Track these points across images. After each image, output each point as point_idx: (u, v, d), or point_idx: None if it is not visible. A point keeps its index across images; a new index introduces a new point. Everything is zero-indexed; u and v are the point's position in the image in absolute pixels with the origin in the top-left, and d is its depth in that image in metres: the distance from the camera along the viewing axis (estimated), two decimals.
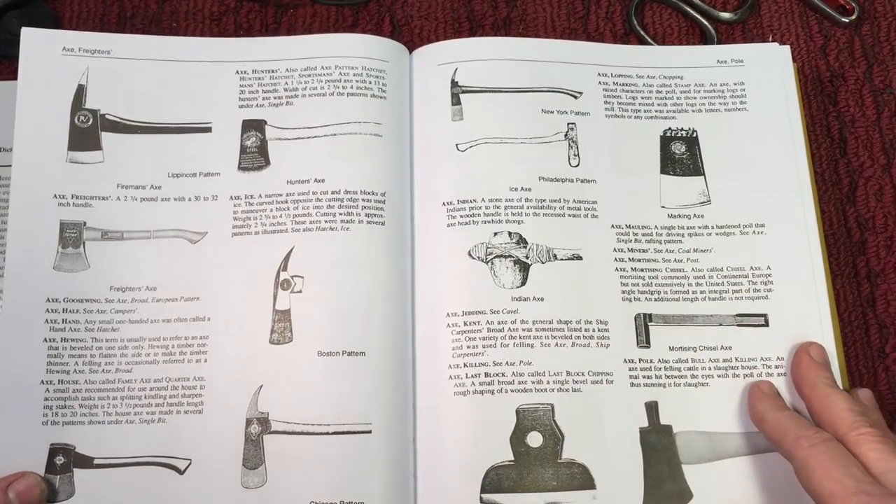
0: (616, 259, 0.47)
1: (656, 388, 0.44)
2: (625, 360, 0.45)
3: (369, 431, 0.43)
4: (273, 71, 0.49)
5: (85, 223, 0.46)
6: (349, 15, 0.54)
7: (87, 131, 0.47)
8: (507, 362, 0.44)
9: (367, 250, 0.45)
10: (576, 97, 0.50)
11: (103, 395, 0.43)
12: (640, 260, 0.47)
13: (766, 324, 0.46)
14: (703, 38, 0.55)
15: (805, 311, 0.46)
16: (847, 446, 0.40)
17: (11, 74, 0.50)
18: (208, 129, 0.48)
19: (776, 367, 0.45)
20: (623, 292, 0.46)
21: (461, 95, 0.49)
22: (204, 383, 0.44)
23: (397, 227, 0.46)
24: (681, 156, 0.49)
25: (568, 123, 0.49)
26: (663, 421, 0.44)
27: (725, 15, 0.55)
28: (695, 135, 0.50)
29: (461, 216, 0.46)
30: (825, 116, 0.53)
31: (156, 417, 0.43)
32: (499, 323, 0.45)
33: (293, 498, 0.42)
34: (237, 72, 0.49)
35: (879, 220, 0.51)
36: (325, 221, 0.46)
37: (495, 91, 0.49)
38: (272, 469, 0.42)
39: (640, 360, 0.45)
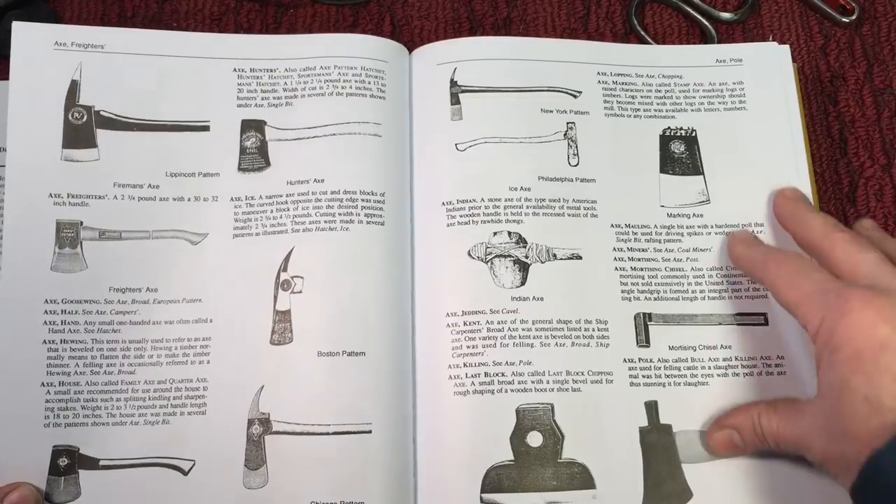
0: (616, 258, 0.47)
1: (656, 387, 0.45)
2: (624, 360, 0.45)
3: (369, 431, 0.43)
4: (272, 70, 0.49)
5: (82, 223, 0.45)
6: (349, 15, 0.54)
7: (81, 128, 0.47)
8: (506, 362, 0.44)
9: (367, 250, 0.45)
10: (575, 96, 0.50)
11: (106, 397, 0.43)
12: (639, 259, 0.47)
13: (766, 322, 0.46)
14: (704, 38, 0.55)
15: None
16: (822, 257, 0.41)
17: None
18: (206, 128, 0.48)
19: (776, 365, 0.45)
20: (623, 292, 0.46)
21: (460, 95, 0.49)
22: (207, 384, 0.44)
23: (397, 227, 0.46)
24: (680, 155, 0.49)
25: (567, 123, 0.49)
26: (663, 420, 0.44)
27: (725, 15, 0.55)
28: (694, 134, 0.50)
29: (461, 216, 0.46)
30: (825, 116, 0.53)
31: (160, 419, 0.43)
32: (498, 323, 0.45)
33: (294, 498, 0.42)
34: (234, 69, 0.49)
35: (879, 220, 0.51)
36: (325, 222, 0.46)
37: (494, 91, 0.49)
38: (273, 469, 0.42)
39: (639, 359, 0.45)
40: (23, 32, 0.48)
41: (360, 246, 0.45)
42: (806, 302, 0.39)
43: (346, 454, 0.42)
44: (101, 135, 0.47)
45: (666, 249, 0.47)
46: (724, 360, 0.45)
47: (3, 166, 0.46)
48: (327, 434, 0.42)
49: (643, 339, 0.46)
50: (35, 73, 0.47)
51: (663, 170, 0.49)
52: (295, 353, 0.44)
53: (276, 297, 0.45)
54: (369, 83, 0.49)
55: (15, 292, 0.44)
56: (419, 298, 0.46)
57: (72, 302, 0.44)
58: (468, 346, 0.44)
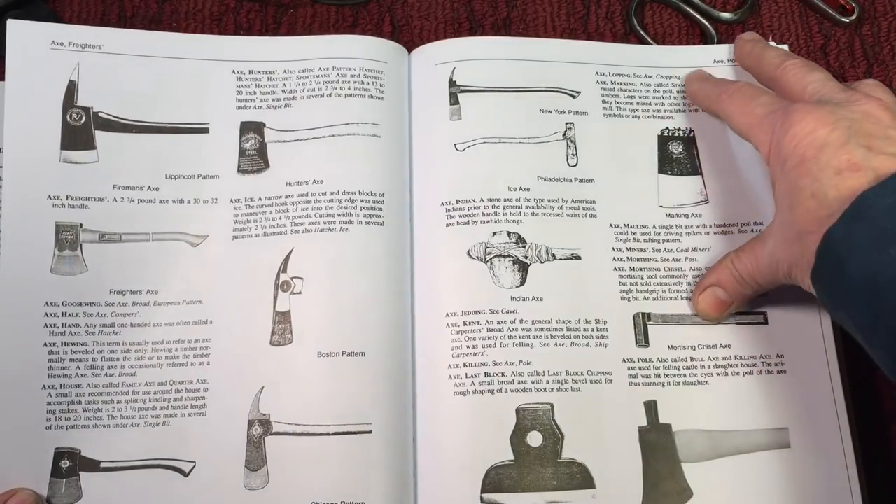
0: (614, 258, 0.47)
1: (655, 387, 0.45)
2: (624, 360, 0.45)
3: (370, 432, 0.43)
4: (271, 72, 0.49)
5: (81, 225, 0.45)
6: (349, 15, 0.54)
7: (80, 130, 0.47)
8: (506, 362, 0.44)
9: (367, 251, 0.45)
10: (574, 97, 0.50)
11: (107, 399, 0.43)
12: (638, 259, 0.47)
13: (765, 321, 0.46)
14: (703, 38, 0.55)
15: (805, 308, 0.46)
16: (777, 85, 0.44)
17: None
18: (205, 130, 0.48)
19: (776, 364, 0.45)
20: (622, 292, 0.46)
21: (459, 95, 0.49)
22: (207, 386, 0.44)
23: (396, 228, 0.47)
24: (678, 155, 0.49)
25: (566, 123, 0.49)
26: (662, 420, 0.44)
27: (725, 15, 0.55)
28: (692, 134, 0.50)
29: (460, 216, 0.47)
30: None
31: (160, 420, 0.43)
32: (498, 323, 0.45)
33: (294, 498, 0.42)
34: (233, 71, 0.49)
35: None
36: (325, 222, 0.46)
37: (493, 91, 0.49)
38: (274, 470, 0.42)
39: (638, 359, 0.45)
40: (19, 31, 0.47)
41: (360, 246, 0.45)
42: (756, 124, 0.42)
43: (346, 454, 0.42)
44: (100, 136, 0.47)
45: (665, 249, 0.47)
46: (724, 359, 0.45)
47: (2, 167, 0.46)
48: (327, 434, 0.43)
49: (642, 339, 0.46)
50: (32, 73, 0.47)
51: (662, 170, 0.49)
52: (295, 354, 0.44)
53: (275, 298, 0.45)
54: (368, 84, 0.49)
55: (15, 295, 0.44)
56: (419, 298, 0.46)
57: (72, 304, 0.44)
58: (468, 346, 0.44)
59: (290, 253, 0.45)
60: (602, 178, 0.48)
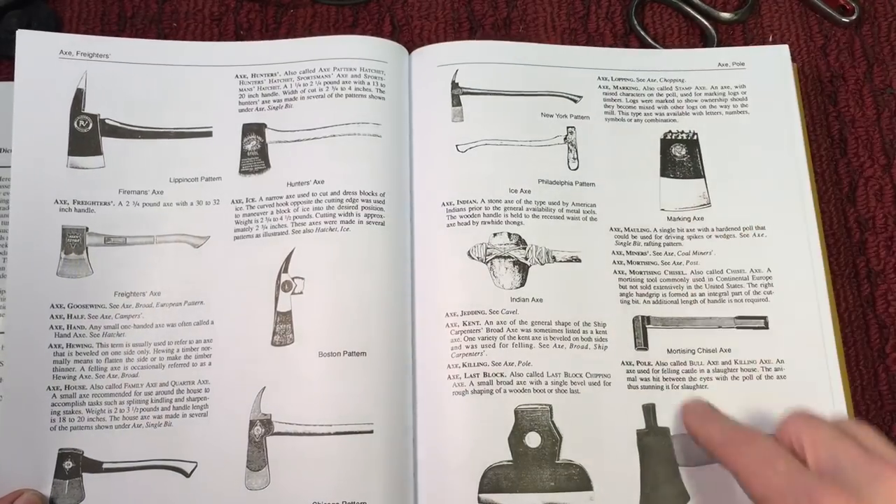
0: (615, 262, 0.47)
1: (654, 390, 0.45)
2: (623, 362, 0.45)
3: (371, 431, 0.43)
4: (272, 74, 0.50)
5: (87, 229, 0.46)
6: (349, 15, 0.54)
7: (87, 136, 0.47)
8: (505, 362, 0.44)
9: (367, 251, 0.46)
10: (575, 101, 0.50)
11: (110, 400, 0.44)
12: (638, 262, 0.47)
13: (766, 326, 0.46)
14: (703, 39, 0.54)
15: (805, 311, 0.46)
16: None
17: (11, 75, 0.50)
18: (209, 134, 0.48)
19: (776, 369, 0.45)
20: (621, 294, 0.46)
21: (462, 97, 0.49)
22: (208, 386, 0.44)
23: (397, 228, 0.47)
24: (681, 159, 0.49)
25: (567, 127, 0.49)
26: (661, 423, 0.44)
27: (725, 15, 0.54)
28: (695, 138, 0.50)
29: (461, 216, 0.47)
30: (825, 116, 0.53)
31: (162, 421, 0.44)
32: (498, 323, 0.45)
33: (296, 498, 0.42)
34: (237, 76, 0.49)
35: (879, 220, 0.51)
36: (325, 223, 0.46)
37: (495, 94, 0.49)
38: (275, 470, 0.43)
39: (637, 362, 0.45)
40: (28, 41, 0.48)
41: (361, 246, 0.46)
42: (775, 498, 0.36)
43: (347, 454, 0.43)
44: (107, 142, 0.48)
45: (665, 253, 0.48)
46: (724, 363, 0.45)
47: (9, 167, 0.46)
48: (329, 434, 0.43)
49: (642, 342, 0.46)
50: (40, 81, 0.48)
51: (664, 173, 0.49)
52: (296, 354, 0.44)
53: (276, 299, 0.45)
54: (368, 84, 0.49)
55: (22, 298, 0.44)
56: (419, 298, 0.46)
57: (78, 307, 0.45)
58: (467, 347, 0.45)
59: (291, 253, 0.46)
60: (603, 182, 0.48)
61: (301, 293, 0.45)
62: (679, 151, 0.49)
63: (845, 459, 0.36)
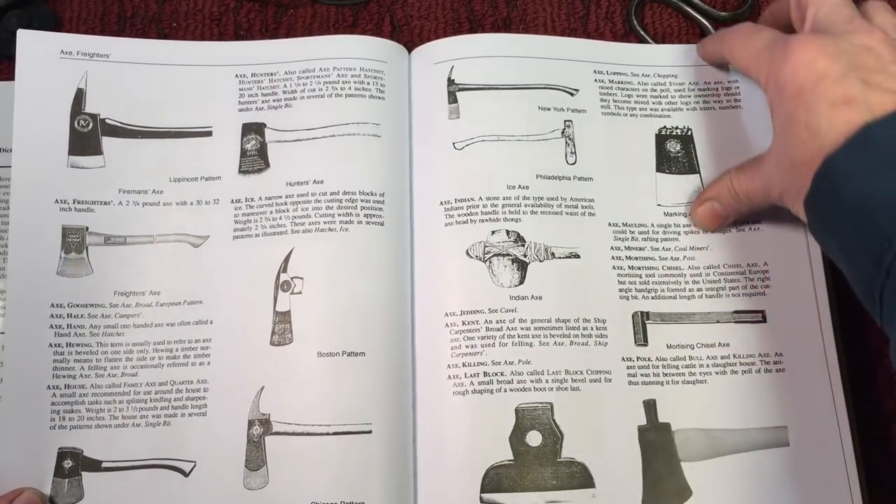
0: (613, 257, 0.47)
1: (654, 385, 0.45)
2: (623, 359, 0.45)
3: (370, 432, 0.43)
4: (272, 74, 0.50)
5: (87, 228, 0.46)
6: (349, 15, 0.54)
7: (87, 136, 0.48)
8: (505, 361, 0.44)
9: (367, 251, 0.46)
10: (572, 94, 0.50)
11: (110, 399, 0.44)
12: (636, 258, 0.47)
13: (764, 320, 0.46)
14: (703, 38, 0.54)
15: (804, 308, 0.46)
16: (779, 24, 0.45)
17: (11, 75, 0.50)
18: (209, 133, 0.49)
19: (774, 362, 0.45)
20: (620, 290, 0.46)
21: (458, 93, 0.49)
22: (207, 386, 0.44)
23: (396, 228, 0.47)
24: (676, 154, 0.49)
25: (564, 121, 0.49)
26: (661, 419, 0.44)
27: (725, 14, 0.54)
28: (689, 133, 0.50)
29: (459, 215, 0.47)
30: None
31: (161, 420, 0.44)
32: (497, 322, 0.45)
33: (294, 498, 0.42)
34: (237, 75, 0.50)
35: None
36: (325, 222, 0.46)
37: (492, 88, 0.49)
38: (274, 470, 0.43)
39: (637, 358, 0.45)
40: (28, 40, 0.48)
41: (360, 246, 0.46)
42: (756, 56, 0.42)
43: (346, 454, 0.43)
44: (107, 142, 0.48)
45: (663, 248, 0.47)
46: (723, 357, 0.45)
47: (9, 167, 0.46)
48: (327, 434, 0.43)
49: (641, 338, 0.46)
50: (41, 81, 0.48)
51: (659, 168, 0.49)
52: (295, 354, 0.44)
53: (275, 298, 0.45)
54: (368, 84, 0.49)
55: (22, 297, 0.45)
56: (418, 298, 0.46)
57: (77, 306, 0.45)
58: (467, 346, 0.44)
59: (290, 253, 0.46)
60: (601, 176, 0.48)
61: (300, 293, 0.45)
62: (674, 147, 0.49)
63: (830, 20, 0.41)
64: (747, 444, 0.44)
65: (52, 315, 0.45)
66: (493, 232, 0.46)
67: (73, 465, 0.43)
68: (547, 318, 0.45)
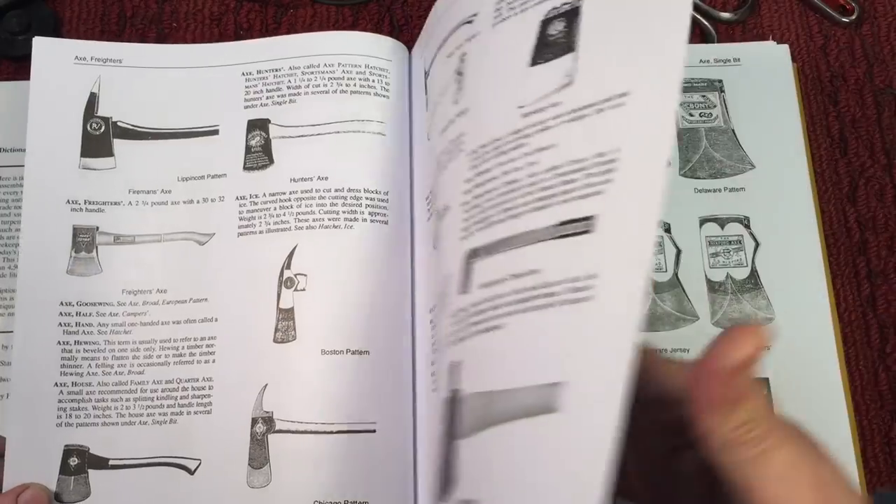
0: None
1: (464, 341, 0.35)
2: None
3: (373, 430, 0.43)
4: (276, 70, 0.50)
5: (97, 228, 0.47)
6: (349, 15, 0.54)
7: (99, 138, 0.48)
8: None
9: (371, 249, 0.46)
10: None
11: (116, 397, 0.45)
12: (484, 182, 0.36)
13: (590, 230, 0.29)
14: (703, 38, 0.54)
15: (806, 311, 0.46)
16: None
17: (11, 75, 0.51)
18: (216, 132, 0.49)
19: (584, 288, 0.28)
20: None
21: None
22: (212, 384, 0.45)
23: (400, 226, 0.47)
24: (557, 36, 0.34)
25: None
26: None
27: (725, 15, 0.54)
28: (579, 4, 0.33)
29: None
30: (825, 116, 0.53)
31: (167, 418, 0.44)
32: None
33: (298, 497, 0.42)
34: (243, 73, 0.50)
35: (880, 220, 0.50)
36: (329, 219, 0.46)
37: None
38: (277, 468, 0.43)
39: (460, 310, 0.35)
40: (44, 47, 0.49)
41: (364, 245, 0.46)
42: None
43: (349, 453, 0.43)
44: (118, 144, 0.48)
45: (509, 161, 0.34)
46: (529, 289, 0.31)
47: (10, 167, 0.47)
48: (331, 433, 0.43)
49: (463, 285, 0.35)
50: (55, 85, 0.48)
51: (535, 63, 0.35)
52: (298, 352, 0.44)
53: (279, 295, 0.45)
54: (373, 81, 0.49)
55: (32, 295, 0.45)
56: (419, 297, 0.46)
57: (86, 304, 0.46)
58: None
59: (293, 249, 0.46)
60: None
61: (303, 290, 0.45)
62: (556, 28, 0.34)
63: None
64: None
65: (60, 313, 0.45)
66: None
67: (79, 462, 0.43)
68: None
